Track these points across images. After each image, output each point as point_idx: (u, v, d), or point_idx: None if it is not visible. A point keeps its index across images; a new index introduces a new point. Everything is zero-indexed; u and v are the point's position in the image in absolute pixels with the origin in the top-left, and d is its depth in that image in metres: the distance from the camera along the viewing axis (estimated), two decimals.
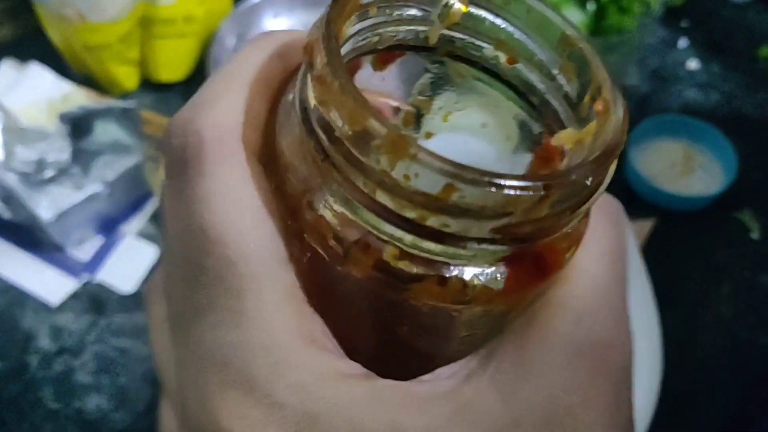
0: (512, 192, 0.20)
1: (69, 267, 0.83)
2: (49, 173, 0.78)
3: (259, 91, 0.24)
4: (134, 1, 0.90)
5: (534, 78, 0.26)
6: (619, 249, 0.25)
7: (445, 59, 0.27)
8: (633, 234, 0.72)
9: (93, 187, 0.80)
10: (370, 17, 0.25)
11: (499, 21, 0.26)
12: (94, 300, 0.81)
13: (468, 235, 0.21)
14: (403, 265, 0.22)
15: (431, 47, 0.26)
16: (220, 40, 0.98)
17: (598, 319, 0.24)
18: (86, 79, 0.98)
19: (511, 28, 0.26)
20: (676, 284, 0.80)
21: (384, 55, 0.26)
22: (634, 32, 0.86)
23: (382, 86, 0.27)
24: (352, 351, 0.23)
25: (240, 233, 0.22)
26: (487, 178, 0.20)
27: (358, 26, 0.24)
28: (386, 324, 0.24)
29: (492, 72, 0.27)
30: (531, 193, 0.20)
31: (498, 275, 0.22)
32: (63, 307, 0.80)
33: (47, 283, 0.82)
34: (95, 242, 0.84)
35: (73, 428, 0.72)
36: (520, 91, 0.26)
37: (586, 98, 0.25)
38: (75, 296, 0.81)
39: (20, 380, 0.75)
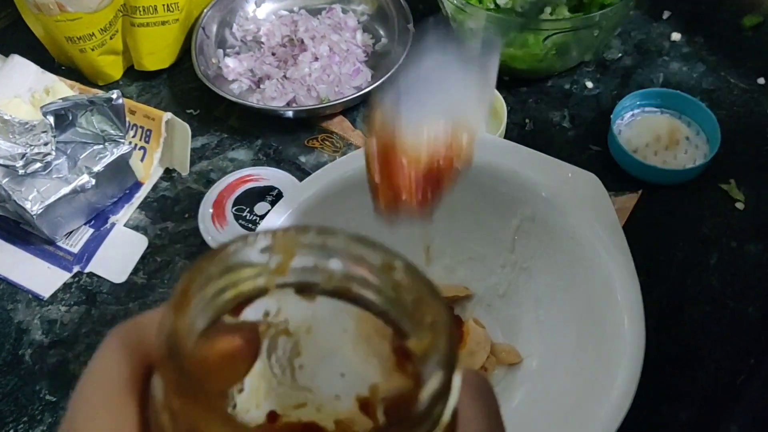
0: None
1: (59, 259, 0.83)
2: (34, 166, 0.78)
3: (121, 396, 0.26)
4: None
5: (371, 296, 0.30)
6: (491, 421, 0.28)
7: (289, 295, 0.30)
8: (615, 209, 0.72)
9: (80, 178, 0.80)
10: (209, 289, 0.28)
11: (322, 260, 0.29)
12: (86, 291, 0.81)
13: None
14: None
15: (275, 289, 0.30)
16: (203, 26, 0.98)
17: None
18: (70, 71, 0.98)
19: (336, 264, 0.29)
20: (663, 256, 0.80)
21: (235, 309, 0.29)
22: (616, 6, 0.86)
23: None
24: None
25: None
26: None
27: (200, 301, 0.27)
28: None
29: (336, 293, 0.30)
30: None
31: None
32: (55, 299, 0.81)
33: (38, 276, 0.82)
34: (85, 233, 0.85)
35: None
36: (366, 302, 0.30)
37: (417, 312, 0.28)
38: (66, 288, 0.81)
39: (16, 374, 0.76)
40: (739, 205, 0.84)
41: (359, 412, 0.32)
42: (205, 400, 0.24)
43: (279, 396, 0.34)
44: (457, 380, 0.26)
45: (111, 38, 0.94)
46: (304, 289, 0.30)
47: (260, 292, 0.30)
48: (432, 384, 0.26)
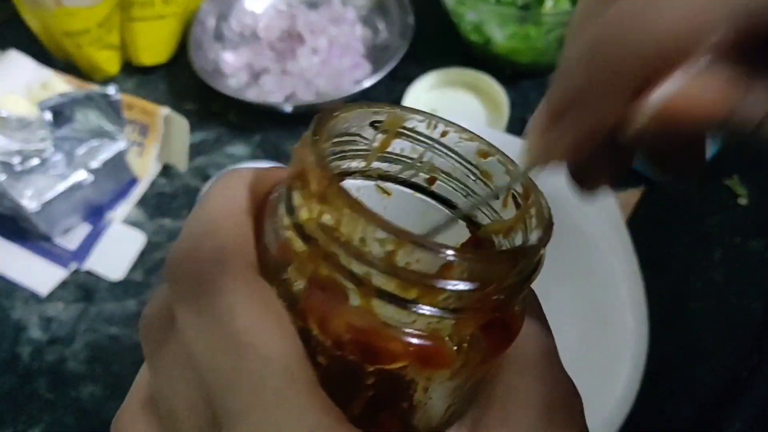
0: (497, 264, 0.25)
1: (57, 256, 0.82)
2: (31, 163, 0.78)
3: (244, 215, 0.28)
4: None
5: (451, 190, 0.32)
6: (544, 318, 0.30)
7: (377, 181, 0.32)
8: (619, 205, 0.72)
9: (77, 175, 0.79)
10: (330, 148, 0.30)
11: (419, 147, 0.31)
12: (84, 288, 0.81)
13: (458, 306, 0.25)
14: (400, 343, 0.25)
15: (367, 171, 0.32)
16: (200, 21, 0.97)
17: (553, 376, 0.28)
18: (68, 66, 0.97)
19: (429, 153, 0.31)
20: (666, 252, 0.80)
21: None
22: None
23: None
24: None
25: (269, 335, 0.25)
26: (475, 255, 0.25)
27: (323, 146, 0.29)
28: (385, 401, 0.27)
29: (418, 186, 0.32)
30: (510, 263, 0.25)
31: (480, 342, 0.26)
32: (52, 296, 0.80)
33: (36, 274, 0.81)
34: (82, 230, 0.84)
35: (69, 418, 0.72)
36: (444, 198, 0.32)
37: (505, 196, 0.30)
38: (64, 285, 0.81)
39: (14, 372, 0.75)
40: (742, 201, 0.83)
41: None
42: (350, 198, 0.25)
43: None
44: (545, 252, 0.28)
45: (108, 33, 0.93)
46: (388, 178, 0.32)
47: (356, 172, 0.32)
48: (537, 233, 0.28)
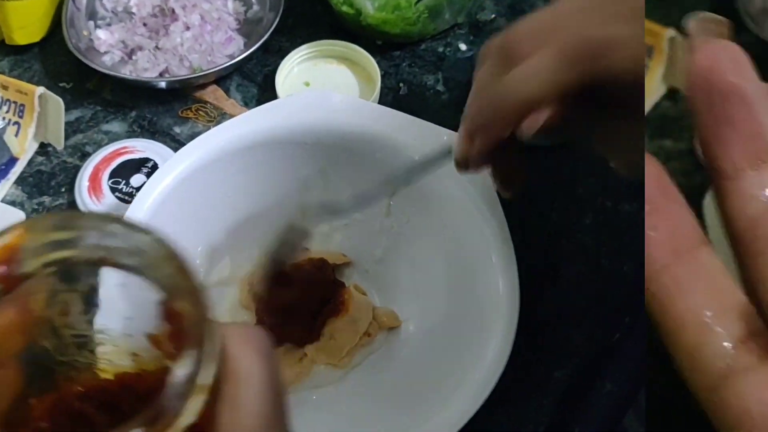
0: None
1: None
2: None
3: None
4: None
5: (132, 262, 0.31)
6: (271, 376, 0.29)
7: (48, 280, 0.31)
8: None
9: None
10: None
11: (80, 236, 0.30)
12: None
13: None
14: None
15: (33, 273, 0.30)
16: None
17: None
18: None
19: (92, 238, 0.30)
20: (537, 217, 0.81)
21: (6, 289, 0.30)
22: None
23: None
24: None
25: None
26: None
27: None
28: None
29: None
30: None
31: None
32: None
33: None
34: None
35: None
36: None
37: (171, 281, 0.29)
38: None
39: None
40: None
41: (152, 347, 0.33)
42: None
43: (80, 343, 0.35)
44: (214, 347, 0.27)
45: None
46: (69, 264, 0.31)
47: (29, 275, 0.30)
48: (186, 357, 0.27)
